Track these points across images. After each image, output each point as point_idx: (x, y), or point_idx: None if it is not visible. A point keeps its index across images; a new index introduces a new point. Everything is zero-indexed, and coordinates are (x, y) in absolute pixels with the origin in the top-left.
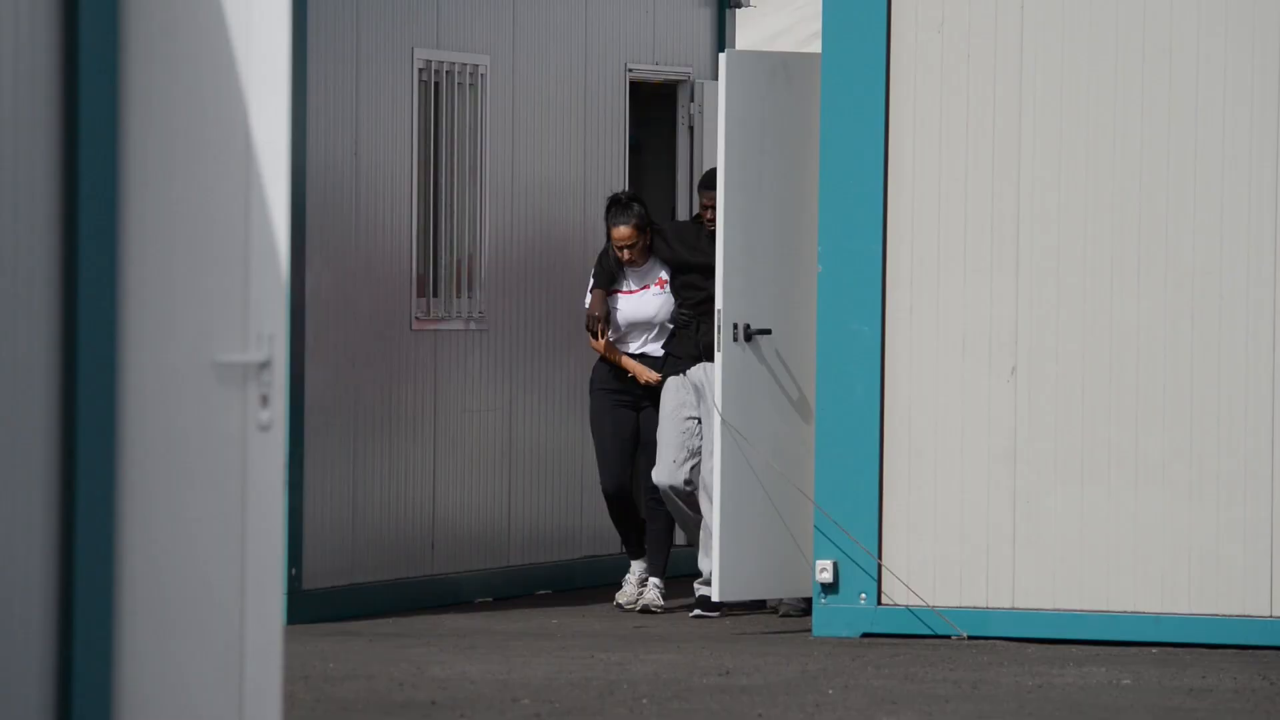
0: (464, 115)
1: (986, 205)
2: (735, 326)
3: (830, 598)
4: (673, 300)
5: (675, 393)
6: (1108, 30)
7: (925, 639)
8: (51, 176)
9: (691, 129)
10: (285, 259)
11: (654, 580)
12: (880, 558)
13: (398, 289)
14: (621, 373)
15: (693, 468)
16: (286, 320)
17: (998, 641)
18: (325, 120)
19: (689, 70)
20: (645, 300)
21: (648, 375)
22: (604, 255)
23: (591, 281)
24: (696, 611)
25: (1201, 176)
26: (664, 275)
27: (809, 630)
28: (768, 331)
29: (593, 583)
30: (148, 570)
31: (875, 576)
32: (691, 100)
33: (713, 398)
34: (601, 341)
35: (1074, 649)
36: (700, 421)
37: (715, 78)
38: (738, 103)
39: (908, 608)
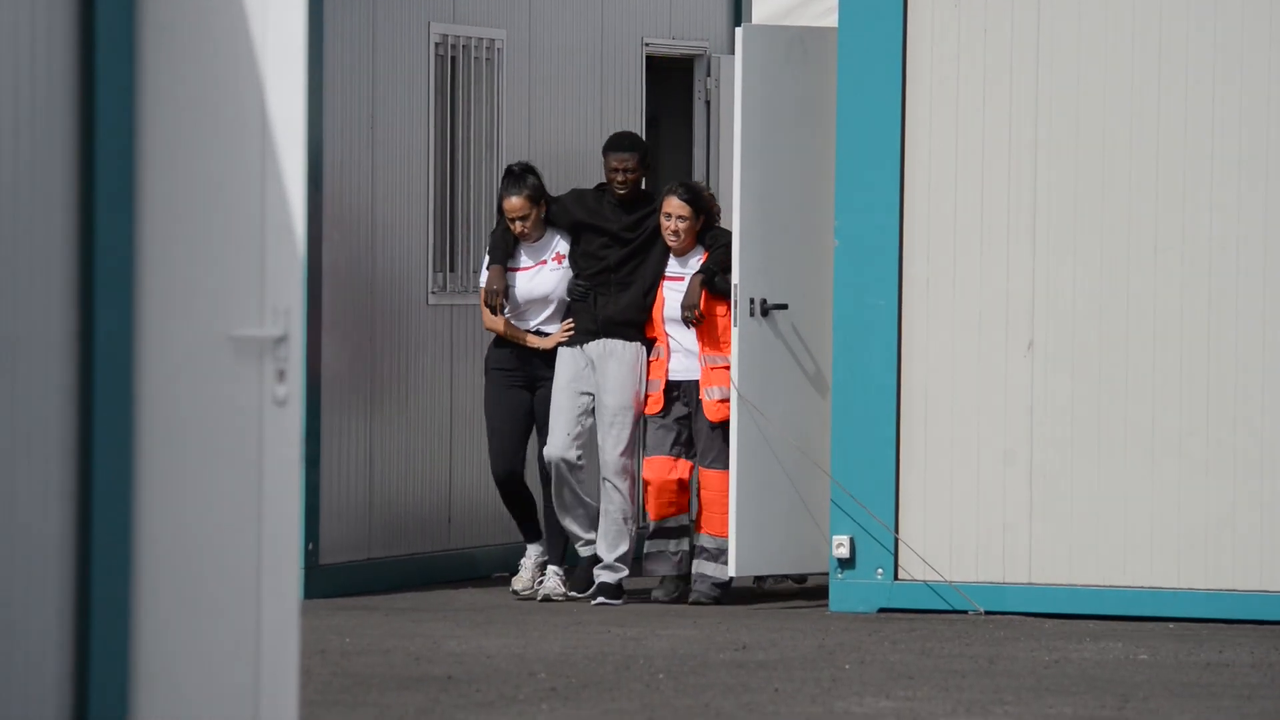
0: (480, 90)
1: (1003, 180)
2: (752, 301)
3: (847, 573)
4: (571, 274)
5: (570, 365)
6: (1124, 6)
7: (942, 614)
8: (68, 153)
9: (708, 104)
10: (301, 234)
11: (553, 568)
12: (897, 532)
13: (414, 263)
14: (516, 353)
15: (583, 446)
16: (303, 295)
17: (1014, 616)
18: (341, 95)
19: (705, 45)
20: (542, 276)
21: (546, 342)
22: (497, 230)
23: (487, 258)
24: (599, 600)
25: (1219, 152)
26: (562, 250)
27: (825, 605)
28: (784, 306)
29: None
30: (164, 545)
31: (892, 551)
32: (708, 75)
33: (606, 380)
34: (500, 319)
35: (1090, 624)
36: (594, 398)
37: (732, 52)
38: (754, 77)
39: (924, 583)
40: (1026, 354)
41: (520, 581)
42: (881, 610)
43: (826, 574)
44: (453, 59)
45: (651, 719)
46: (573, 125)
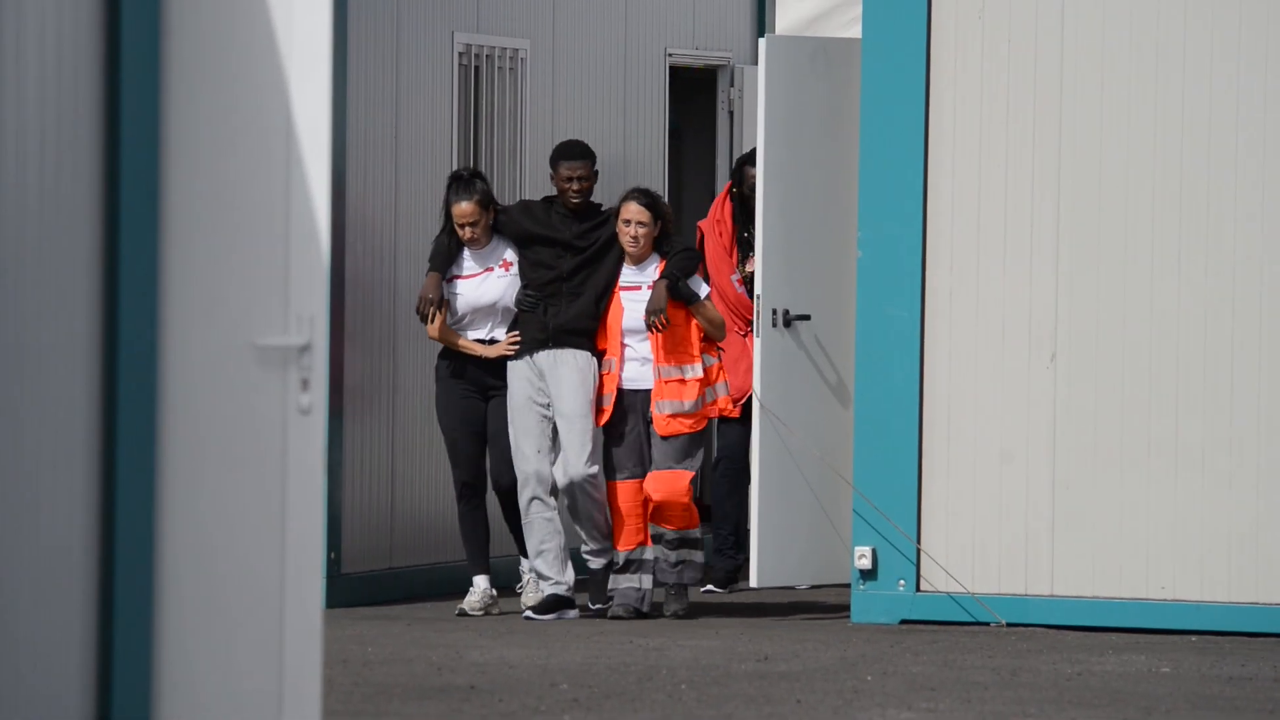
0: (504, 99)
1: (1027, 192)
2: (774, 312)
3: (869, 584)
4: (519, 283)
5: (523, 380)
6: (1149, 17)
7: (964, 626)
8: (93, 159)
9: (731, 114)
10: (325, 242)
11: (483, 580)
12: (919, 544)
13: None
14: (466, 363)
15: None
16: (327, 304)
17: (1036, 629)
18: (366, 104)
19: (729, 55)
20: (488, 284)
21: (490, 351)
22: (441, 236)
23: (428, 265)
24: (542, 615)
25: (1243, 164)
26: (509, 257)
27: (848, 617)
28: (807, 317)
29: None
30: (188, 554)
31: (914, 562)
32: (731, 85)
33: (560, 389)
34: (434, 326)
35: (1113, 637)
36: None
37: (755, 63)
38: (778, 88)
39: (947, 594)
40: (1049, 365)
41: (470, 603)
42: (904, 622)
43: (848, 585)
44: (477, 68)
45: None
46: (596, 135)
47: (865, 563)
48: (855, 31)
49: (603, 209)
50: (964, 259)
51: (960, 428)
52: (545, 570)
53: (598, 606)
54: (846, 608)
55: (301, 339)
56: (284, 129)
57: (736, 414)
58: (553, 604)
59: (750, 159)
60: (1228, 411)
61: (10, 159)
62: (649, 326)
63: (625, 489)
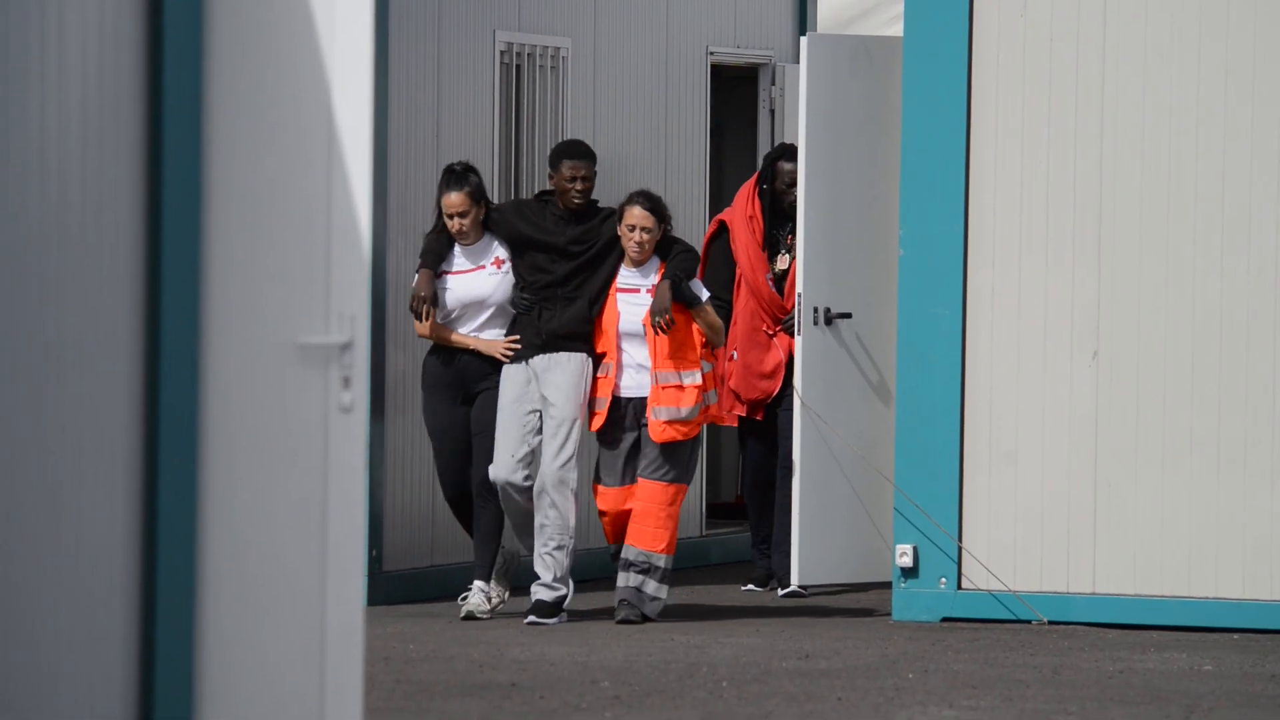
0: (545, 98)
1: (1069, 189)
2: (816, 310)
3: (910, 582)
4: (511, 281)
5: (515, 382)
6: (1191, 14)
7: (1005, 624)
8: (135, 160)
9: (772, 112)
10: (367, 241)
11: (479, 584)
12: (961, 541)
13: None
14: (451, 367)
15: (530, 467)
16: (368, 302)
17: (1078, 627)
18: (407, 102)
19: (770, 54)
20: (479, 280)
21: (487, 347)
22: (433, 232)
23: (419, 261)
24: (531, 618)
25: None
26: (502, 255)
27: (888, 614)
28: (848, 315)
29: (672, 565)
30: (229, 552)
31: (955, 560)
32: (773, 84)
33: (550, 390)
34: (426, 324)
35: (1155, 634)
36: (540, 415)
37: (797, 61)
38: (819, 86)
39: (988, 592)
40: (1091, 363)
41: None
42: (945, 619)
43: (889, 583)
44: (518, 67)
45: None
46: (637, 134)
47: (906, 560)
48: (896, 30)
49: (600, 211)
50: (1006, 257)
51: (1002, 426)
52: (556, 570)
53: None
54: (888, 604)
55: (343, 337)
56: (326, 128)
57: (760, 417)
58: (553, 609)
59: (783, 154)
60: (1270, 409)
61: (52, 158)
62: (655, 328)
63: (614, 495)
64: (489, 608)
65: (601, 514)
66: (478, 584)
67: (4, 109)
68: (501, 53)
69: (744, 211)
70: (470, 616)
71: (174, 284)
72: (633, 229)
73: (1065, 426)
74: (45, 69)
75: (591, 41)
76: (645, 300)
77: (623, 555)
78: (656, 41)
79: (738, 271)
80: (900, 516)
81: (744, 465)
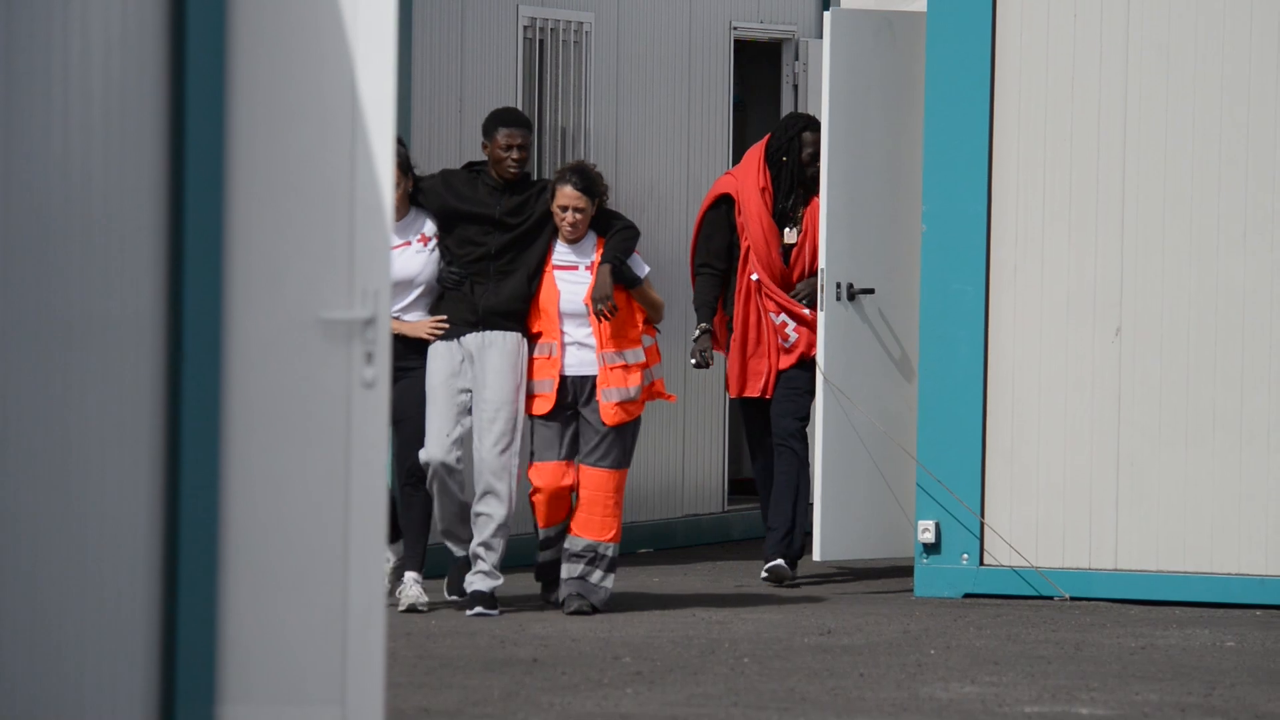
0: (568, 73)
1: (1092, 166)
2: (839, 286)
3: (932, 558)
4: (439, 258)
5: (446, 359)
6: None
7: (1027, 600)
8: (158, 134)
9: (796, 88)
10: (390, 217)
11: (412, 574)
12: (983, 517)
13: None
14: (398, 343)
15: (462, 447)
16: (390, 277)
17: (1100, 603)
18: (430, 77)
19: (794, 29)
20: (405, 257)
21: (412, 329)
22: None
23: None
24: (478, 610)
25: None
26: (428, 230)
27: (911, 590)
28: (871, 291)
29: (694, 541)
30: (251, 527)
31: (978, 536)
32: (796, 59)
33: (485, 375)
34: None
35: (1177, 611)
36: (472, 394)
37: (820, 36)
38: (843, 61)
39: (1010, 568)
40: (1114, 340)
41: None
42: (967, 595)
43: (911, 558)
44: (541, 42)
45: (736, 703)
46: (660, 109)
47: (929, 536)
48: (920, 5)
49: (534, 183)
50: (1029, 233)
51: (1024, 402)
52: (459, 541)
53: (454, 597)
54: (909, 580)
55: (366, 313)
56: (349, 103)
57: (767, 395)
58: (494, 600)
59: (807, 125)
60: None
61: (75, 134)
62: (598, 315)
63: (549, 470)
64: (427, 599)
65: (535, 491)
66: (410, 575)
67: (27, 87)
68: (525, 28)
69: (756, 183)
70: (412, 609)
71: (197, 260)
72: (565, 209)
73: (1088, 402)
74: (68, 46)
75: (615, 16)
76: (584, 278)
77: (567, 545)
78: (680, 16)
79: (744, 243)
80: (923, 492)
81: (751, 446)
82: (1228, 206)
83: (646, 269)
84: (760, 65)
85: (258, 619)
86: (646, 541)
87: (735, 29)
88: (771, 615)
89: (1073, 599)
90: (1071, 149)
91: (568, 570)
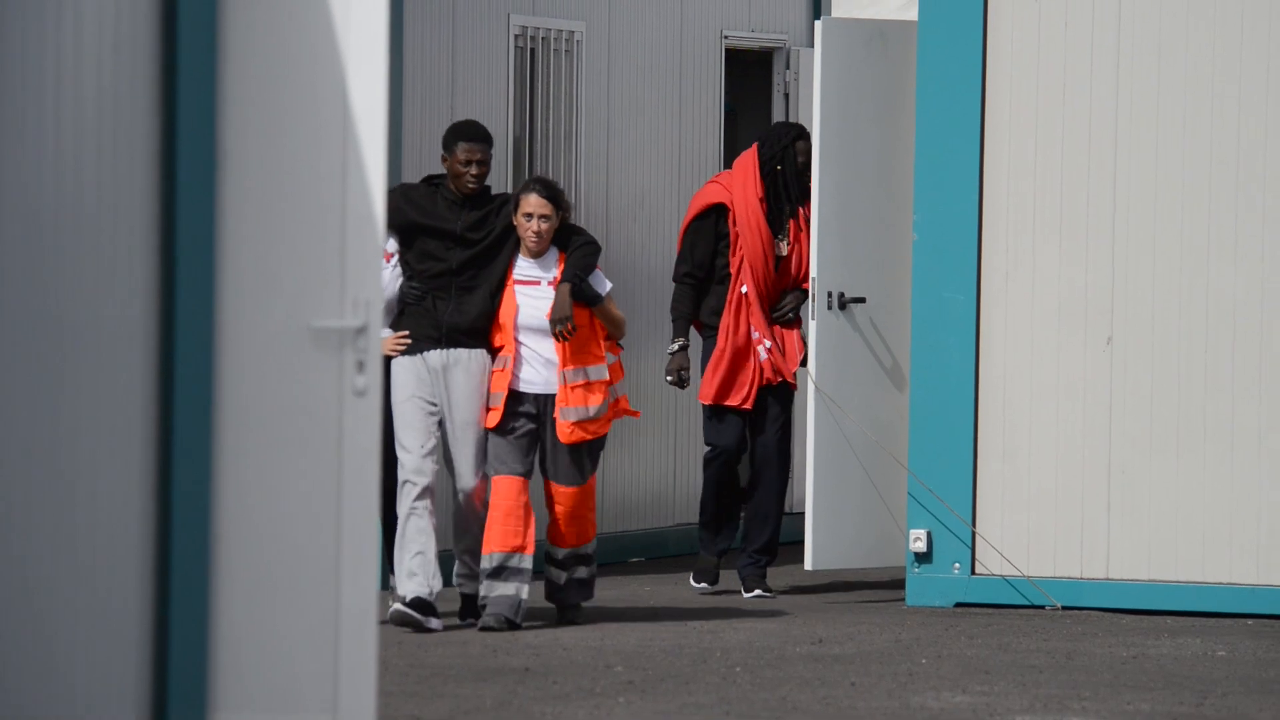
0: (559, 82)
1: (1083, 174)
2: (830, 295)
3: (924, 567)
4: (400, 274)
5: (412, 374)
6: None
7: (1019, 609)
8: (150, 142)
9: (787, 96)
10: (382, 225)
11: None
12: (974, 527)
13: None
14: None
15: (438, 461)
16: (382, 286)
17: (1092, 612)
18: (422, 86)
19: (785, 37)
20: None
21: (381, 347)
22: None
23: None
24: (398, 605)
25: None
26: (390, 248)
27: (902, 599)
28: (862, 300)
29: (685, 550)
30: (243, 535)
31: (969, 545)
32: (787, 68)
33: (449, 393)
34: None
35: (1168, 620)
36: (441, 414)
37: (811, 45)
38: (834, 70)
39: (1002, 577)
40: (1106, 349)
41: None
42: (958, 605)
43: (903, 568)
44: (532, 51)
45: (728, 712)
46: (651, 118)
47: (920, 546)
48: (911, 13)
49: (494, 198)
50: (1020, 242)
51: (1016, 411)
52: (420, 572)
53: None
54: (901, 590)
55: (357, 321)
56: (340, 112)
57: (748, 405)
58: (425, 607)
59: (800, 135)
60: None
61: (67, 140)
62: (557, 336)
63: (506, 485)
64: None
65: (489, 506)
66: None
67: (19, 94)
68: (516, 36)
69: (754, 193)
70: (404, 620)
71: (189, 268)
72: (530, 217)
73: (1079, 411)
74: (60, 53)
75: (606, 25)
76: (546, 293)
77: (548, 553)
78: (671, 25)
79: (737, 254)
80: (914, 501)
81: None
82: (1218, 214)
83: (608, 285)
84: (751, 74)
85: (250, 627)
86: (638, 551)
87: (726, 38)
88: (763, 624)
89: (1064, 608)
90: (1063, 158)
91: (553, 576)
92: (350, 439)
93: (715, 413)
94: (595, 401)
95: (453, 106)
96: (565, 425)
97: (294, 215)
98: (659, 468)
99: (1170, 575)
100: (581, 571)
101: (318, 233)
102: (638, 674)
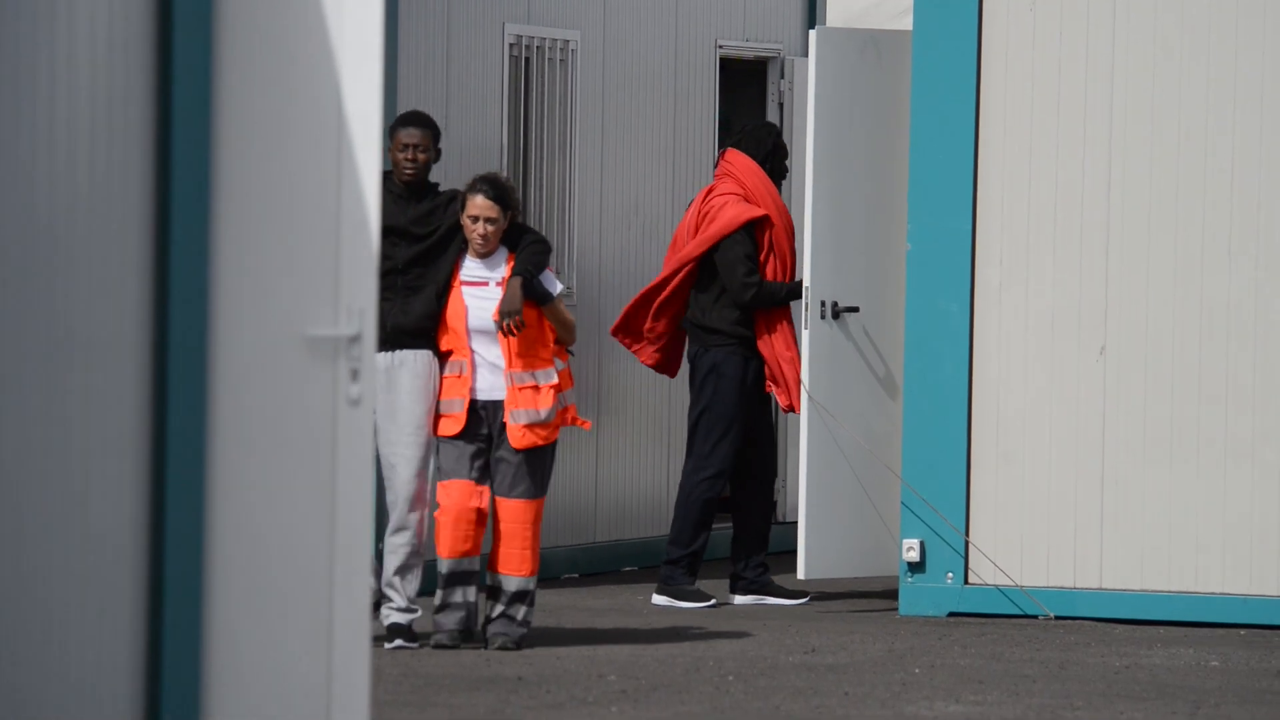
0: (554, 91)
1: (1077, 184)
2: (823, 304)
3: (917, 576)
4: None
5: None
6: (1200, 8)
7: (1012, 619)
8: (145, 150)
9: (781, 106)
10: (376, 234)
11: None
12: (967, 536)
13: None
14: None
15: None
16: (377, 295)
17: (1085, 622)
18: (416, 95)
19: (779, 47)
20: None
21: None
22: None
23: None
24: (398, 643)
25: None
26: None
27: (895, 609)
28: (856, 309)
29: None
30: (237, 544)
31: (962, 555)
32: (781, 77)
33: (398, 397)
34: None
35: (1161, 630)
36: (381, 420)
37: (806, 54)
38: (828, 80)
39: (995, 587)
40: (1099, 358)
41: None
42: (951, 614)
43: (896, 577)
44: (527, 59)
45: None
46: (646, 127)
47: (913, 555)
48: (906, 23)
49: (440, 192)
50: (1014, 252)
51: (1009, 421)
52: (408, 591)
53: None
54: (894, 599)
55: (352, 330)
56: (335, 120)
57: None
58: (406, 632)
59: (779, 133)
60: (1278, 404)
61: (61, 148)
62: (503, 330)
63: (458, 489)
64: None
65: (441, 511)
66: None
67: (13, 101)
68: (511, 45)
69: (778, 201)
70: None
71: (183, 277)
72: (475, 220)
73: (1073, 421)
74: (55, 61)
75: (601, 34)
76: (494, 294)
77: (489, 583)
78: (666, 34)
79: (773, 262)
80: (907, 511)
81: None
82: (1213, 225)
83: (560, 287)
84: (746, 83)
85: (243, 636)
86: (632, 559)
87: (721, 47)
88: (757, 633)
89: (1057, 618)
90: (1056, 168)
91: (492, 608)
92: (344, 447)
93: (735, 434)
94: (544, 405)
95: (447, 115)
96: (517, 429)
97: (288, 224)
98: (652, 476)
99: (1163, 585)
100: (521, 611)
101: (312, 241)
102: (631, 683)
